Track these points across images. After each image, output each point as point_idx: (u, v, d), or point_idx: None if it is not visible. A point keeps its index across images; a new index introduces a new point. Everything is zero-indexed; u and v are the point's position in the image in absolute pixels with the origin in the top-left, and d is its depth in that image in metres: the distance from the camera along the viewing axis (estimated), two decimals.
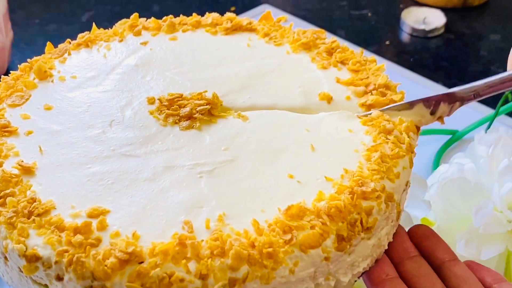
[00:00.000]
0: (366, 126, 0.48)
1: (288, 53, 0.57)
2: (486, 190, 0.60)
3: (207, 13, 0.63)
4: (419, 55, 1.01)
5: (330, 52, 0.56)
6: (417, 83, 0.91)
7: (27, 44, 1.01)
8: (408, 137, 0.46)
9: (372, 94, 0.51)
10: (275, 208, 0.41)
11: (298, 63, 0.56)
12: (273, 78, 0.54)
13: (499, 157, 0.63)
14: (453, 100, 0.49)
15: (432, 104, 0.49)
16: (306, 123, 0.49)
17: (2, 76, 0.54)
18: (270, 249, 0.39)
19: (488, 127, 0.79)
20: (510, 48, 0.50)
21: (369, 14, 1.12)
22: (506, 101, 0.80)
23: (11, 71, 0.55)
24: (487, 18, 1.11)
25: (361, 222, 0.41)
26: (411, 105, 0.49)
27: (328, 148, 0.46)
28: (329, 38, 0.58)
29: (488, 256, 0.58)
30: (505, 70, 0.51)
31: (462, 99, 0.49)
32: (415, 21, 1.07)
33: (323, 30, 0.59)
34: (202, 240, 0.39)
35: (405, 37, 1.06)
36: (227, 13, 0.63)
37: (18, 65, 0.55)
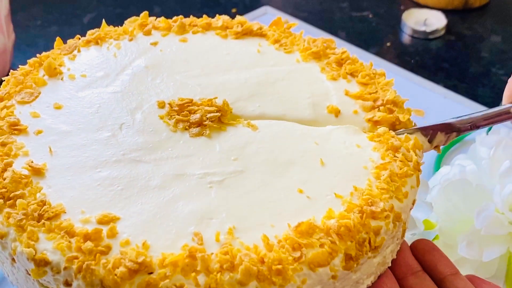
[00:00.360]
0: (374, 142, 0.48)
1: (298, 62, 0.57)
2: (488, 191, 0.61)
3: (217, 15, 0.63)
4: (419, 57, 1.01)
5: (340, 63, 0.57)
6: (418, 85, 0.92)
7: (29, 46, 1.00)
8: (416, 155, 0.47)
9: (379, 110, 0.51)
10: (285, 224, 0.42)
11: (307, 72, 0.56)
12: (283, 86, 0.54)
13: (500, 159, 0.63)
14: (450, 131, 0.50)
15: (429, 133, 0.50)
16: (314, 136, 0.49)
17: (11, 70, 0.54)
18: (279, 266, 0.39)
19: (490, 128, 0.79)
20: (511, 50, 0.51)
21: (370, 16, 1.12)
22: None
23: (20, 66, 0.55)
24: (487, 19, 1.12)
25: (369, 242, 0.41)
26: (410, 133, 0.50)
27: (337, 163, 0.47)
28: (339, 49, 0.58)
29: (490, 258, 0.59)
30: (506, 72, 0.52)
31: (459, 130, 0.50)
32: (416, 23, 1.07)
33: (333, 40, 0.59)
34: (212, 253, 0.40)
35: (406, 38, 1.06)
36: (237, 16, 0.63)
37: (28, 60, 0.55)
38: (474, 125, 0.50)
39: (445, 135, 0.50)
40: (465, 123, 0.50)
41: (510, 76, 0.49)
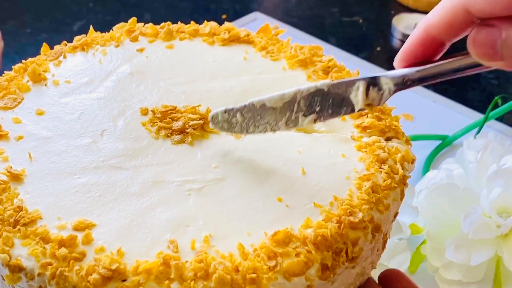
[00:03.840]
0: (361, 152, 0.48)
1: (284, 69, 0.57)
2: (475, 195, 0.61)
3: (205, 21, 0.63)
4: None
5: (326, 70, 0.56)
6: (408, 89, 0.92)
7: (18, 54, 1.01)
8: (403, 168, 0.46)
9: (367, 117, 0.51)
10: (262, 232, 0.41)
11: (293, 80, 0.56)
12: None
13: (487, 163, 0.63)
14: (377, 85, 0.43)
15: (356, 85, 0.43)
16: (298, 144, 0.49)
17: None
18: (253, 275, 0.39)
19: (478, 131, 0.79)
20: None
21: (360, 21, 1.12)
22: (496, 106, 0.81)
23: (5, 72, 0.54)
24: None
25: (346, 252, 0.41)
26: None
27: (319, 173, 0.46)
28: (326, 56, 0.58)
29: (478, 262, 0.59)
30: (495, 75, 0.50)
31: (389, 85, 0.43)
32: (406, 27, 1.07)
33: (320, 47, 0.59)
34: (187, 261, 0.39)
35: (396, 43, 1.06)
36: (225, 23, 0.62)
37: (13, 66, 0.55)
38: (408, 78, 0.42)
39: (378, 91, 0.43)
40: (397, 75, 0.42)
41: (499, 80, 0.47)
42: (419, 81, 0.42)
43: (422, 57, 0.41)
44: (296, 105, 0.45)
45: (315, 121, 0.45)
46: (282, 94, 0.45)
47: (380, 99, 0.43)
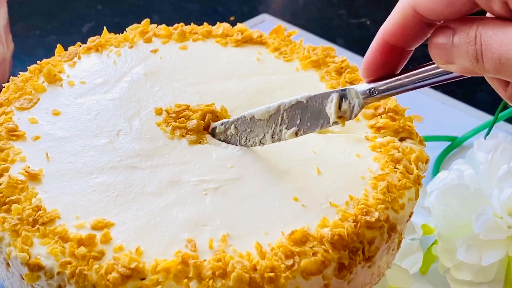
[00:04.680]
0: (375, 152, 0.48)
1: (298, 70, 0.57)
2: (486, 196, 0.61)
3: (218, 23, 0.63)
4: (417, 63, 1.01)
5: (339, 71, 0.56)
6: (416, 90, 0.92)
7: (27, 56, 1.01)
8: (417, 168, 0.47)
9: (381, 117, 0.51)
10: (279, 231, 0.42)
11: (307, 81, 0.56)
12: (282, 95, 0.54)
13: (498, 163, 0.63)
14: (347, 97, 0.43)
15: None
16: (313, 145, 0.49)
17: (11, 77, 0.54)
18: (271, 274, 0.39)
19: (488, 133, 0.79)
20: None
21: (368, 22, 1.12)
22: (505, 107, 0.81)
23: (20, 72, 0.55)
24: None
25: (363, 251, 0.41)
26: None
27: (334, 172, 0.46)
28: (339, 57, 0.58)
29: (489, 262, 0.59)
30: None
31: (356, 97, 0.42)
32: None
33: (333, 48, 0.59)
34: (205, 260, 0.40)
35: None
36: (237, 24, 0.63)
37: (28, 67, 0.55)
38: (375, 91, 0.41)
39: (349, 104, 0.42)
40: (364, 89, 0.42)
41: None
42: (386, 94, 0.41)
43: (385, 66, 0.40)
44: (280, 118, 0.46)
45: (296, 134, 0.46)
46: (268, 107, 0.46)
47: (352, 112, 0.43)
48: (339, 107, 0.43)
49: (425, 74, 0.39)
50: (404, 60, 0.41)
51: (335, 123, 0.43)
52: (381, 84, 0.40)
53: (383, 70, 0.40)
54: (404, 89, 0.40)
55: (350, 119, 0.43)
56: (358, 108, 0.42)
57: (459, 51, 0.35)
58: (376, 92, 0.41)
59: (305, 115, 0.45)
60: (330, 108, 0.43)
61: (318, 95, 0.44)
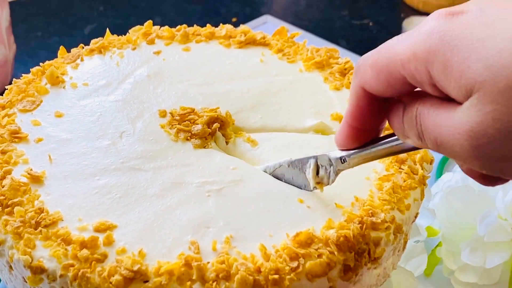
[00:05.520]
0: None
1: (301, 71, 0.57)
2: (490, 198, 0.61)
3: (221, 24, 0.63)
4: None
5: (343, 72, 0.56)
6: None
7: (30, 57, 1.01)
8: (422, 168, 0.46)
9: None
10: (283, 233, 0.41)
11: (310, 82, 0.56)
12: (285, 97, 0.54)
13: None
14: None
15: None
16: (316, 146, 0.49)
17: (14, 79, 0.54)
18: (276, 276, 0.38)
19: None
20: None
21: (371, 24, 1.12)
22: None
23: (23, 74, 0.55)
24: None
25: (369, 253, 0.41)
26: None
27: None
28: (343, 58, 0.58)
29: (493, 264, 0.58)
30: None
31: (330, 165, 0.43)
32: None
33: (336, 49, 0.59)
34: (208, 262, 0.39)
35: None
36: (240, 25, 0.63)
37: (31, 69, 0.55)
38: (345, 158, 0.41)
39: (325, 171, 0.43)
40: (336, 157, 0.42)
41: None
42: (357, 162, 0.41)
43: (355, 144, 0.40)
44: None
45: None
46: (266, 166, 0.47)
47: (328, 178, 0.43)
48: (317, 172, 0.43)
49: (394, 143, 0.38)
50: (375, 135, 0.40)
51: (315, 187, 0.44)
52: (352, 154, 0.40)
53: (354, 146, 0.40)
54: (375, 158, 0.40)
55: (328, 185, 0.43)
56: (334, 175, 0.42)
57: (409, 129, 0.35)
58: (347, 161, 0.41)
59: (290, 176, 0.46)
60: (309, 174, 0.44)
61: (297, 160, 0.45)
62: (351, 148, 0.40)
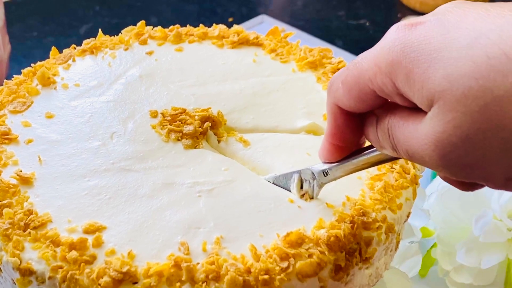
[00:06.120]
0: None
1: (294, 72, 0.57)
2: (486, 198, 0.61)
3: (214, 24, 0.62)
4: None
5: (336, 72, 0.56)
6: None
7: (25, 57, 1.01)
8: (414, 167, 0.46)
9: None
10: (274, 233, 0.41)
11: (303, 82, 0.55)
12: (278, 97, 0.53)
13: None
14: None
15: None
16: (308, 147, 0.49)
17: (5, 80, 0.54)
18: (266, 276, 0.38)
19: None
20: None
21: (367, 24, 1.12)
22: None
23: (14, 76, 0.54)
24: None
25: (360, 252, 0.41)
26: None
27: None
28: (336, 58, 0.58)
29: (489, 265, 0.58)
30: None
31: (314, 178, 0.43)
32: None
33: (329, 49, 0.59)
34: (198, 263, 0.39)
35: None
36: (234, 25, 0.62)
37: (22, 70, 0.55)
38: (327, 171, 0.42)
39: (309, 184, 0.43)
40: (318, 170, 0.42)
41: None
42: (339, 175, 0.41)
43: (338, 158, 0.40)
44: None
45: None
46: None
47: (313, 191, 0.43)
48: (301, 186, 0.44)
49: (375, 153, 0.38)
50: (357, 148, 0.40)
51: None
52: (334, 166, 0.41)
53: (336, 159, 0.41)
54: (357, 170, 0.40)
55: (312, 198, 0.43)
56: (318, 188, 0.43)
57: (383, 141, 0.36)
58: (330, 174, 0.41)
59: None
60: (293, 189, 0.44)
61: (282, 175, 0.45)
62: (334, 161, 0.41)
